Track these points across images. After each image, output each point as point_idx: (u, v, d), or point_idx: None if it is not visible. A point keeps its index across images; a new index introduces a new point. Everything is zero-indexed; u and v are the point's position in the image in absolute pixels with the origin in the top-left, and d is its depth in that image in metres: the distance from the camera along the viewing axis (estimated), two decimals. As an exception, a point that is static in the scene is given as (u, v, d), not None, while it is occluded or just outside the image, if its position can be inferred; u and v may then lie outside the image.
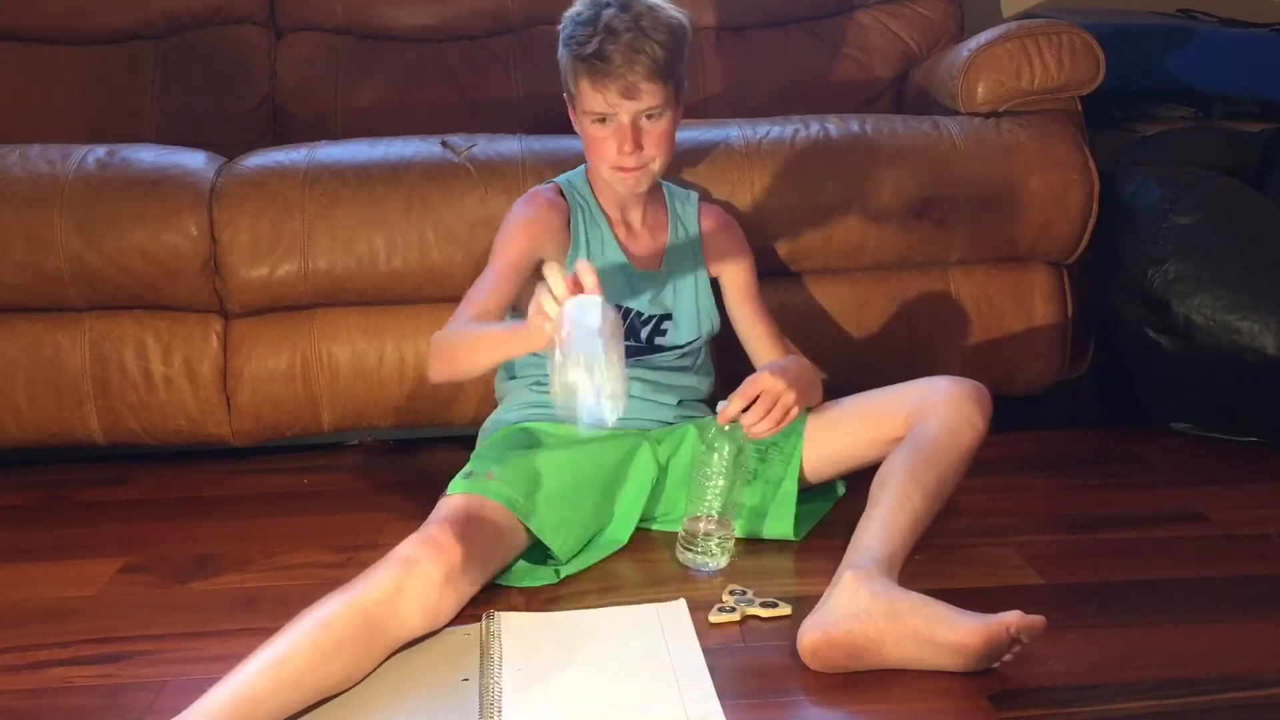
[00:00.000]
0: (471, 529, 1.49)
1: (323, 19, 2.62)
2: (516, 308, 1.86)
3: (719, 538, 1.64)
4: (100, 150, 2.06)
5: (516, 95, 2.56)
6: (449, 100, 2.56)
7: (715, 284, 1.89)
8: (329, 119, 2.52)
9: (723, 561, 1.64)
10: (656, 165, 1.75)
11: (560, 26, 1.74)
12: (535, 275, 1.77)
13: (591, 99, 1.70)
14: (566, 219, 1.81)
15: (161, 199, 2.00)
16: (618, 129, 1.70)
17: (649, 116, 1.71)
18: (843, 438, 1.72)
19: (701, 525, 1.64)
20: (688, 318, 1.84)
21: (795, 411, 1.63)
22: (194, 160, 2.08)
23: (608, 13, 1.68)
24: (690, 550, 1.64)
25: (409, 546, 1.42)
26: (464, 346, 1.63)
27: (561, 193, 1.84)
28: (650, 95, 1.69)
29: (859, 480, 1.64)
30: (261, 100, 2.56)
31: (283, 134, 2.50)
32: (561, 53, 1.74)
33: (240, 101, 2.54)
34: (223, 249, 2.01)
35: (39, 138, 2.14)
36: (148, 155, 2.08)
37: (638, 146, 1.71)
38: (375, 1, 2.62)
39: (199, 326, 2.06)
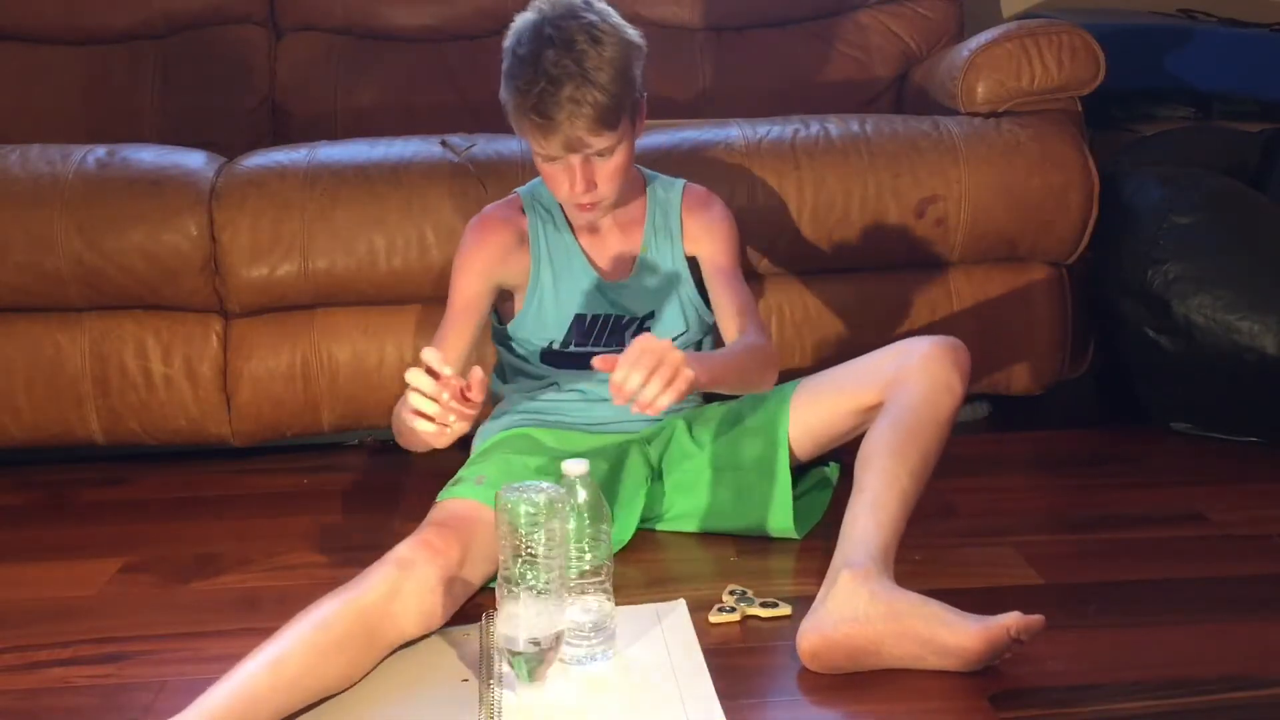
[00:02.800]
0: (466, 532, 1.49)
1: (323, 19, 2.62)
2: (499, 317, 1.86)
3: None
4: (100, 150, 2.06)
5: (516, 95, 2.55)
6: (449, 100, 2.56)
7: (695, 268, 1.84)
8: (329, 119, 2.52)
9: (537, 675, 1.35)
10: (612, 197, 1.69)
11: (503, 42, 1.65)
12: (498, 299, 1.78)
13: (538, 144, 1.63)
14: (522, 232, 1.76)
15: (161, 199, 2.00)
16: (568, 169, 1.64)
17: (600, 155, 1.63)
18: (823, 412, 1.71)
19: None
20: (671, 310, 1.80)
21: (684, 375, 1.41)
22: (194, 160, 2.08)
23: (549, 55, 1.56)
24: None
25: (405, 549, 1.43)
26: (404, 435, 1.60)
27: (521, 206, 1.79)
28: (597, 142, 1.60)
29: (850, 461, 1.62)
30: (261, 100, 2.56)
31: (283, 134, 2.50)
32: (504, 89, 1.63)
33: (240, 101, 2.54)
34: (223, 249, 2.01)
35: (39, 138, 2.15)
36: (148, 155, 2.08)
37: (590, 185, 1.65)
38: (375, 1, 2.62)
39: (199, 326, 2.06)
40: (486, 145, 2.09)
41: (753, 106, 2.36)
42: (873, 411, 1.61)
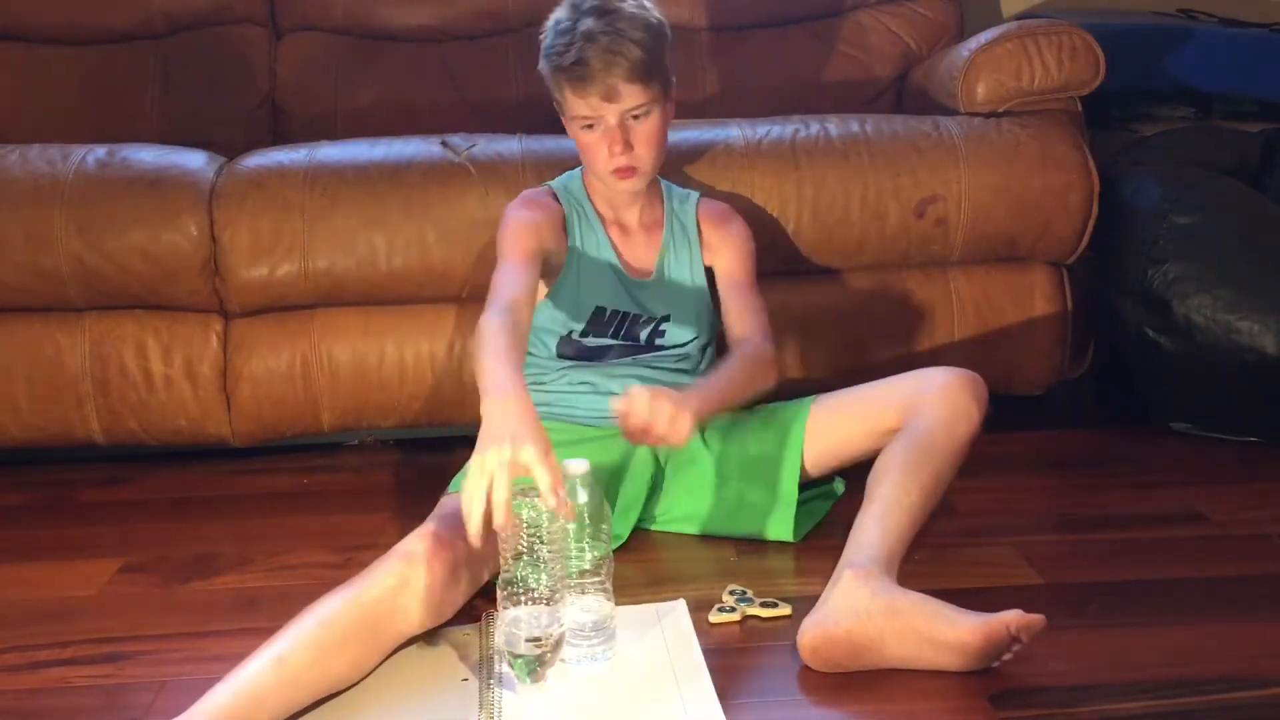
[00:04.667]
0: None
1: (323, 19, 2.62)
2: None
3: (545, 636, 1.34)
4: (100, 150, 2.06)
5: (516, 95, 2.56)
6: (449, 100, 2.56)
7: (710, 278, 1.88)
8: (329, 119, 2.52)
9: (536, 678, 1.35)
10: (649, 164, 1.77)
11: (541, 36, 1.76)
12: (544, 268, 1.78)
13: (576, 105, 1.72)
14: (561, 220, 1.82)
15: (161, 199, 2.00)
16: (606, 132, 1.72)
17: (635, 116, 1.72)
18: (839, 431, 1.72)
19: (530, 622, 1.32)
20: (686, 317, 1.83)
21: (679, 428, 1.49)
22: (194, 160, 2.08)
23: (585, 21, 1.69)
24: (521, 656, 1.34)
25: (411, 543, 1.42)
26: (477, 362, 1.55)
27: (555, 196, 1.85)
28: (632, 96, 1.70)
29: (858, 478, 1.64)
30: (261, 100, 2.56)
31: (283, 134, 2.50)
32: (542, 64, 1.75)
33: (240, 101, 2.54)
34: (223, 249, 2.01)
35: (39, 138, 2.14)
36: (148, 155, 2.08)
37: (627, 147, 1.72)
38: (375, 1, 2.62)
39: (199, 326, 2.06)
40: (486, 145, 2.09)
41: (753, 106, 2.36)
42: (889, 435, 1.62)
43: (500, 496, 1.28)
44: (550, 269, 1.80)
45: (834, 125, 2.14)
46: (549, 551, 1.31)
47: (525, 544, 1.31)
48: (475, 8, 2.64)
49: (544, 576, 1.32)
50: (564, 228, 1.81)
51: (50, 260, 1.98)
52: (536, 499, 1.31)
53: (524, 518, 1.30)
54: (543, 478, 1.29)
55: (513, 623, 1.33)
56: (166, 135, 2.36)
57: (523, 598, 1.32)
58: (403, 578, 1.38)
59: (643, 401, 1.50)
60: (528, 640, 1.32)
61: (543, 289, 1.82)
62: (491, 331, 1.50)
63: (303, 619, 1.32)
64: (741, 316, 1.82)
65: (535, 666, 1.33)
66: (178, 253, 1.99)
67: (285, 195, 2.01)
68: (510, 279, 1.65)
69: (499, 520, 1.28)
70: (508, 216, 1.79)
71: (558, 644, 1.34)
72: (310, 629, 1.31)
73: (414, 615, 1.39)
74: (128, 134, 2.31)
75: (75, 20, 2.57)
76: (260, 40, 2.60)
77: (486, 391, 1.41)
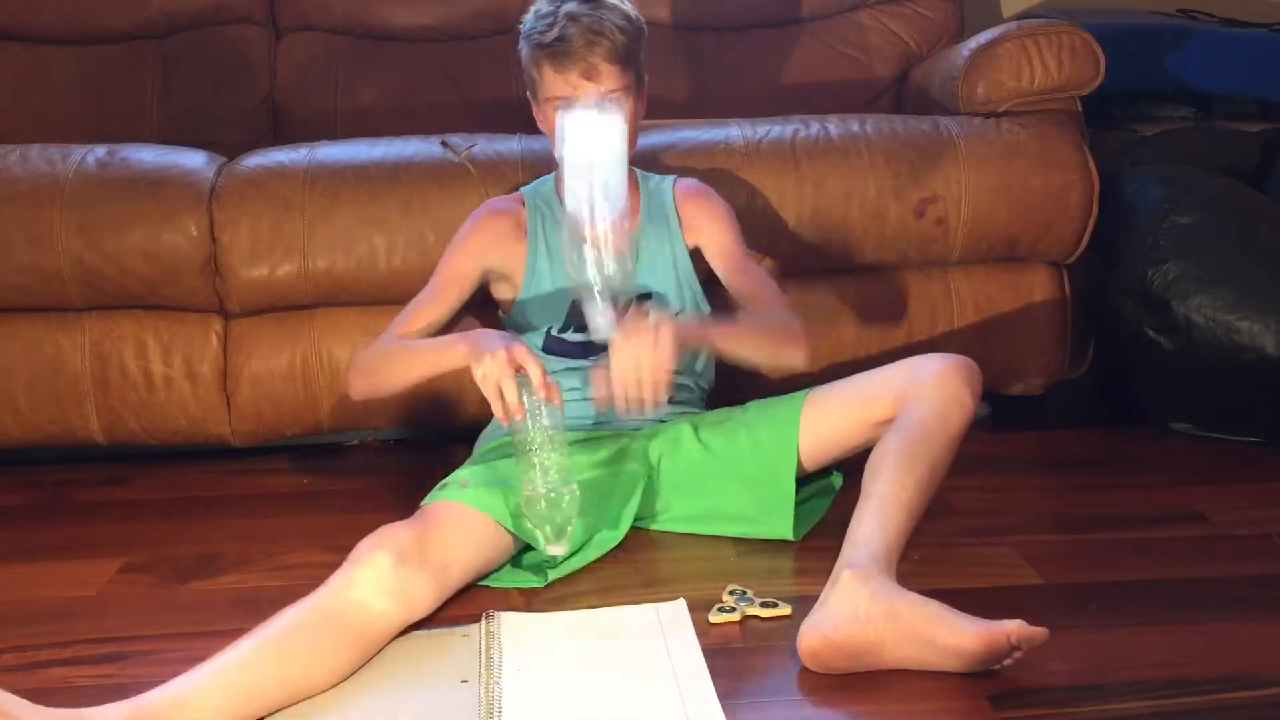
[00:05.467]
0: (431, 520, 1.51)
1: (323, 19, 2.63)
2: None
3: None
4: (100, 150, 2.06)
5: (516, 95, 2.54)
6: (449, 100, 2.56)
7: (697, 259, 1.88)
8: (329, 119, 2.52)
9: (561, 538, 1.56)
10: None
11: (521, 23, 1.79)
12: (478, 289, 1.85)
13: (553, 84, 1.73)
14: (521, 224, 1.85)
15: (161, 199, 2.00)
16: None
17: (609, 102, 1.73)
18: (834, 423, 1.71)
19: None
20: (669, 289, 1.84)
21: (664, 353, 1.54)
22: (194, 160, 2.08)
23: (568, 5, 1.73)
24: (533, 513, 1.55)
25: (357, 549, 1.44)
26: (396, 361, 1.72)
27: (522, 200, 1.88)
28: (610, 77, 1.72)
29: (855, 471, 1.63)
30: (261, 100, 2.56)
31: (283, 134, 2.50)
32: (522, 45, 1.78)
33: (240, 101, 2.55)
34: (222, 249, 2.01)
35: (39, 138, 2.14)
36: (148, 155, 2.08)
37: None
38: (375, 1, 2.63)
39: (199, 326, 2.06)
40: (486, 145, 2.09)
41: (753, 106, 2.36)
42: (883, 425, 1.61)
43: (511, 393, 1.53)
44: (502, 274, 1.86)
45: (834, 125, 2.14)
46: (550, 430, 1.54)
47: (532, 429, 1.53)
48: (475, 8, 2.64)
49: (554, 454, 1.54)
50: (524, 233, 1.85)
51: (50, 260, 1.98)
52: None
53: (526, 404, 1.53)
54: (534, 372, 1.53)
55: (531, 491, 1.52)
56: (166, 135, 2.37)
57: (537, 473, 1.52)
58: (349, 576, 1.39)
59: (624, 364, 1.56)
60: (545, 498, 1.52)
61: (508, 292, 1.86)
62: (392, 340, 1.76)
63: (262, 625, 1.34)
64: (755, 296, 1.80)
65: (558, 525, 1.53)
66: (178, 253, 1.99)
67: (285, 195, 2.02)
68: (415, 311, 1.79)
69: (515, 409, 1.53)
70: (458, 232, 1.87)
71: (571, 502, 1.53)
72: (260, 632, 1.33)
73: (377, 606, 1.39)
74: (128, 134, 2.31)
75: (75, 20, 2.57)
76: (260, 40, 2.60)
77: (454, 340, 1.64)
